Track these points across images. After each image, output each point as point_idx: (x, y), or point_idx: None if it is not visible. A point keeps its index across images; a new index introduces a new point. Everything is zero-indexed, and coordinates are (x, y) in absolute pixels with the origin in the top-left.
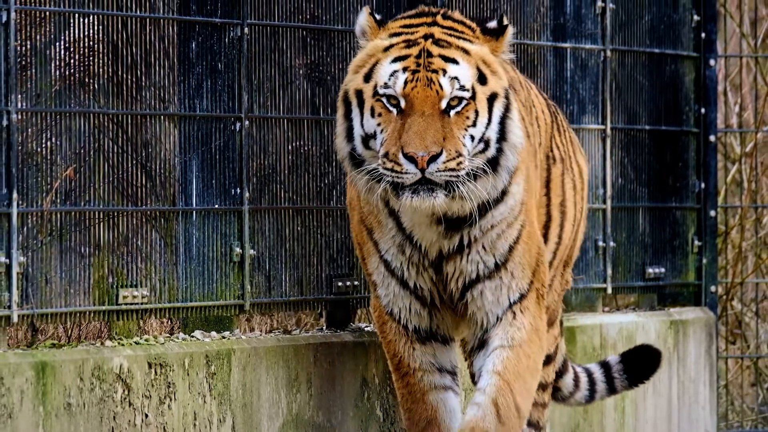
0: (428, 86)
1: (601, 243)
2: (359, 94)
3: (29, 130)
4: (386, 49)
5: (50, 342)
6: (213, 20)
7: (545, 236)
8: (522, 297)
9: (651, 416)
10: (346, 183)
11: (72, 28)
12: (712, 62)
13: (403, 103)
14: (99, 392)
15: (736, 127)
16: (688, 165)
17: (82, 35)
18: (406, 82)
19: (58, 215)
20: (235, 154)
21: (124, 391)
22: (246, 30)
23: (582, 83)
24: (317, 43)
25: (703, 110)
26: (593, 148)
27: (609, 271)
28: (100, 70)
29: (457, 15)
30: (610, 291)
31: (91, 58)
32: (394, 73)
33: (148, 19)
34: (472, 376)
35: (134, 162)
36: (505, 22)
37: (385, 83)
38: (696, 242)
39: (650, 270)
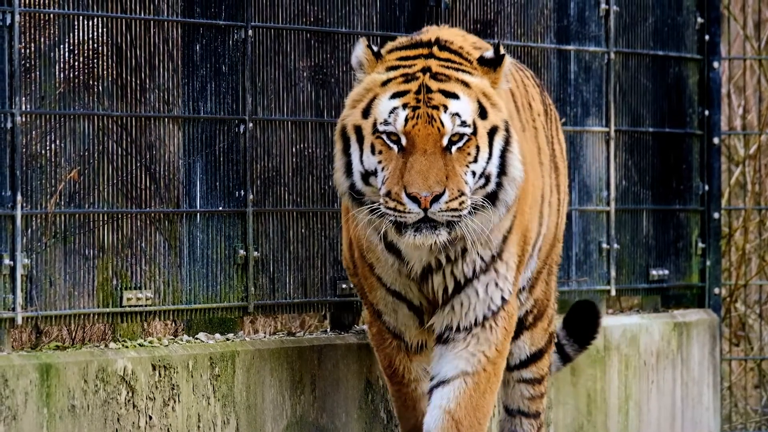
0: (429, 123)
1: (604, 245)
2: (358, 130)
3: (33, 132)
4: (384, 83)
5: (54, 344)
6: (217, 22)
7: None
8: (510, 292)
9: (655, 418)
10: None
11: (76, 31)
12: (715, 64)
13: (404, 141)
14: (103, 394)
15: (739, 130)
16: (691, 167)
17: (86, 37)
18: (407, 120)
19: (62, 217)
20: (239, 157)
21: (128, 393)
22: (250, 32)
23: (586, 85)
24: (321, 45)
25: (706, 112)
26: (597, 150)
27: (613, 273)
28: (104, 72)
29: (452, 42)
30: (613, 293)
31: (95, 61)
32: (394, 110)
33: (152, 22)
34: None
35: (138, 164)
36: (502, 51)
37: (385, 120)
38: (699, 244)
39: (654, 272)
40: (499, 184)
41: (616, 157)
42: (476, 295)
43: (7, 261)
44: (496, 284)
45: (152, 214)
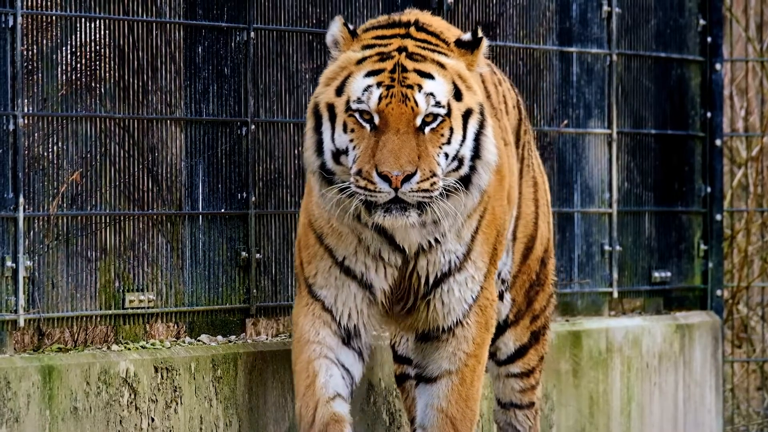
0: (403, 102)
1: (607, 247)
2: (331, 108)
3: (36, 134)
4: (359, 62)
5: (57, 346)
6: (219, 24)
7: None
8: (482, 288)
9: (657, 420)
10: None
11: (78, 33)
12: (718, 66)
13: (377, 120)
14: (105, 396)
15: (742, 131)
16: (694, 169)
17: (88, 40)
18: (380, 98)
19: (65, 219)
20: (242, 159)
21: (130, 395)
22: (252, 34)
23: (588, 87)
24: (323, 47)
25: (709, 114)
26: (599, 152)
27: (615, 275)
28: (107, 74)
29: (431, 24)
30: (616, 295)
31: (97, 63)
32: (368, 88)
33: (154, 24)
34: (399, 377)
35: (140, 166)
36: (480, 34)
37: (359, 98)
38: (702, 246)
39: (656, 274)
40: (472, 168)
41: (618, 159)
42: (453, 294)
43: (9, 263)
44: (467, 284)
45: (154, 216)
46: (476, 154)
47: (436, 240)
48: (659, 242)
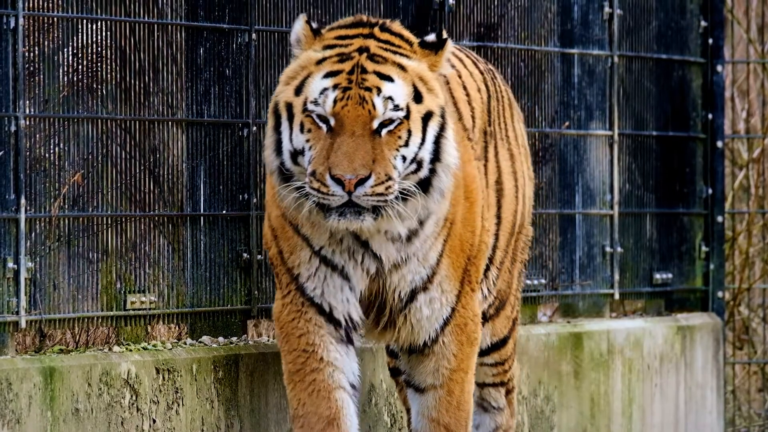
0: (360, 105)
1: (608, 249)
2: (289, 107)
3: (37, 135)
4: (319, 62)
5: (58, 347)
6: (221, 26)
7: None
8: (454, 309)
9: (658, 421)
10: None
11: (80, 34)
12: (719, 68)
13: (332, 122)
14: (107, 397)
15: (743, 133)
16: (695, 171)
17: (90, 41)
18: (335, 101)
19: (66, 221)
20: (243, 160)
21: (131, 396)
22: (254, 36)
23: (589, 89)
24: None
25: (710, 116)
26: (600, 153)
27: (616, 277)
28: (108, 75)
29: (396, 27)
30: (617, 296)
31: (99, 64)
32: (324, 91)
33: (156, 25)
34: (392, 370)
35: (142, 168)
36: (444, 35)
37: (315, 100)
38: (703, 248)
39: (657, 276)
40: (432, 171)
41: (619, 161)
42: (422, 312)
43: (11, 264)
44: (433, 304)
45: (156, 218)
46: (436, 156)
47: (408, 257)
48: (660, 244)
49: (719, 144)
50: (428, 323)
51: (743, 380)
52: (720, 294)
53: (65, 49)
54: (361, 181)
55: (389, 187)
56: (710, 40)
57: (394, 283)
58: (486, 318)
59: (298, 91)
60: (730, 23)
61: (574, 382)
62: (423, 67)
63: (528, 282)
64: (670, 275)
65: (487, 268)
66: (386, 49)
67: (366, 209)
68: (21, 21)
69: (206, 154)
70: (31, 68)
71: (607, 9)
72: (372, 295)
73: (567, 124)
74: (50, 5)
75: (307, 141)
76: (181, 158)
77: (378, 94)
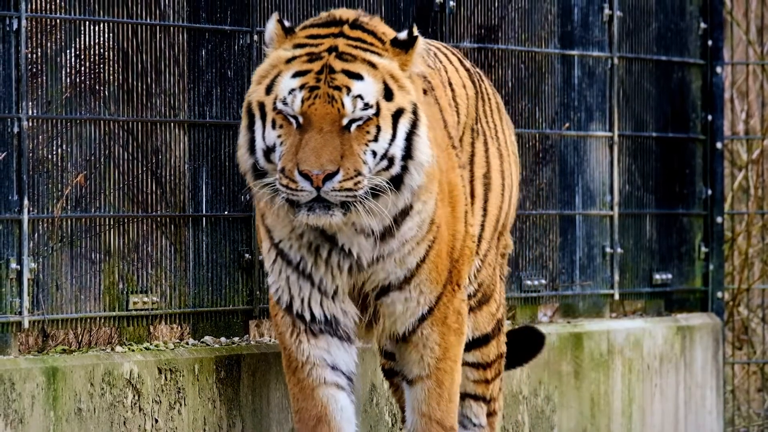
0: (329, 103)
1: (608, 249)
2: (261, 106)
3: (40, 137)
4: (288, 60)
5: (61, 347)
6: (223, 28)
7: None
8: (436, 303)
9: (658, 421)
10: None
11: (82, 36)
12: (718, 69)
13: (301, 120)
14: (109, 397)
15: (742, 134)
16: (694, 172)
17: (92, 43)
18: (303, 101)
19: (69, 222)
20: None
21: (134, 396)
22: (255, 37)
23: (589, 90)
24: None
25: (709, 117)
26: (600, 155)
27: (616, 277)
28: (111, 77)
29: (370, 23)
30: (617, 297)
31: (101, 66)
32: (292, 91)
33: (158, 27)
34: (387, 371)
35: (144, 169)
36: (416, 33)
37: (284, 99)
38: (703, 248)
39: (657, 276)
40: (404, 168)
41: (619, 162)
42: (396, 307)
43: (14, 265)
44: (408, 302)
45: (158, 219)
46: (408, 153)
47: (383, 256)
48: (660, 244)
49: (719, 145)
50: (403, 317)
51: (742, 380)
52: (719, 294)
53: (68, 51)
54: (329, 177)
55: (358, 182)
56: (710, 42)
57: (366, 278)
58: (468, 310)
59: (269, 90)
60: (729, 25)
61: (575, 382)
62: (394, 66)
63: (528, 282)
64: (669, 276)
65: None
66: (356, 47)
67: (335, 205)
68: (24, 23)
69: (208, 156)
70: (34, 70)
71: (607, 11)
72: (354, 291)
73: (567, 125)
74: (53, 7)
75: (279, 137)
76: (183, 159)
77: (347, 93)
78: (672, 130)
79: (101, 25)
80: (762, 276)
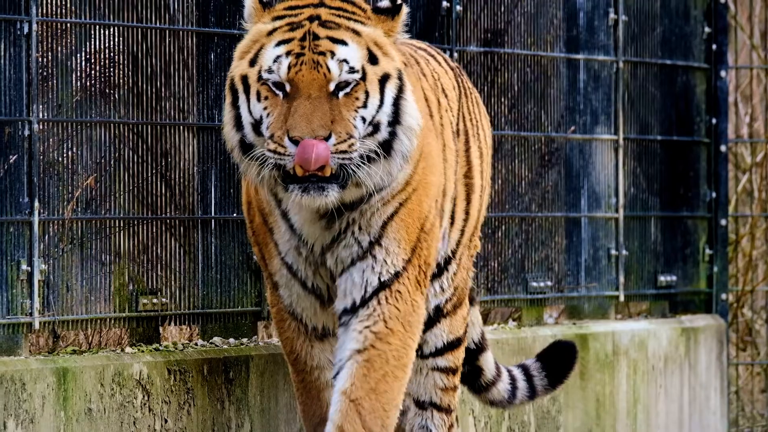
0: (315, 69)
1: (613, 251)
2: (245, 79)
3: (50, 140)
4: (270, 33)
5: (71, 348)
6: (231, 32)
7: (452, 213)
8: (397, 275)
9: (663, 422)
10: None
11: (93, 40)
12: (723, 73)
13: (288, 87)
14: (119, 398)
15: (746, 137)
16: (699, 175)
17: (102, 46)
18: (289, 67)
19: (79, 224)
20: None
21: (143, 396)
22: None
23: (595, 94)
24: None
25: (714, 121)
26: (606, 158)
27: (621, 279)
28: (121, 80)
29: None
30: (622, 299)
31: (111, 69)
32: (277, 59)
33: (167, 31)
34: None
35: (154, 171)
36: (399, 1)
37: (269, 68)
38: (707, 251)
39: (662, 278)
40: (392, 133)
41: (624, 165)
42: (352, 276)
43: (24, 266)
44: (373, 268)
45: (167, 221)
46: (396, 118)
47: (339, 232)
48: (665, 247)
49: (723, 148)
50: (360, 283)
51: (747, 381)
52: (724, 296)
53: (78, 55)
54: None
55: (352, 144)
56: (714, 46)
57: (332, 263)
58: (444, 314)
59: (253, 62)
60: (733, 29)
61: (580, 382)
62: (378, 33)
63: (534, 284)
64: (674, 278)
65: (449, 261)
66: (339, 16)
67: (330, 183)
68: (35, 27)
69: (217, 158)
70: (45, 73)
71: (612, 15)
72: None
73: (573, 128)
74: (63, 11)
75: (265, 109)
76: (192, 162)
77: (332, 57)
78: (677, 134)
79: (111, 29)
80: (766, 278)
